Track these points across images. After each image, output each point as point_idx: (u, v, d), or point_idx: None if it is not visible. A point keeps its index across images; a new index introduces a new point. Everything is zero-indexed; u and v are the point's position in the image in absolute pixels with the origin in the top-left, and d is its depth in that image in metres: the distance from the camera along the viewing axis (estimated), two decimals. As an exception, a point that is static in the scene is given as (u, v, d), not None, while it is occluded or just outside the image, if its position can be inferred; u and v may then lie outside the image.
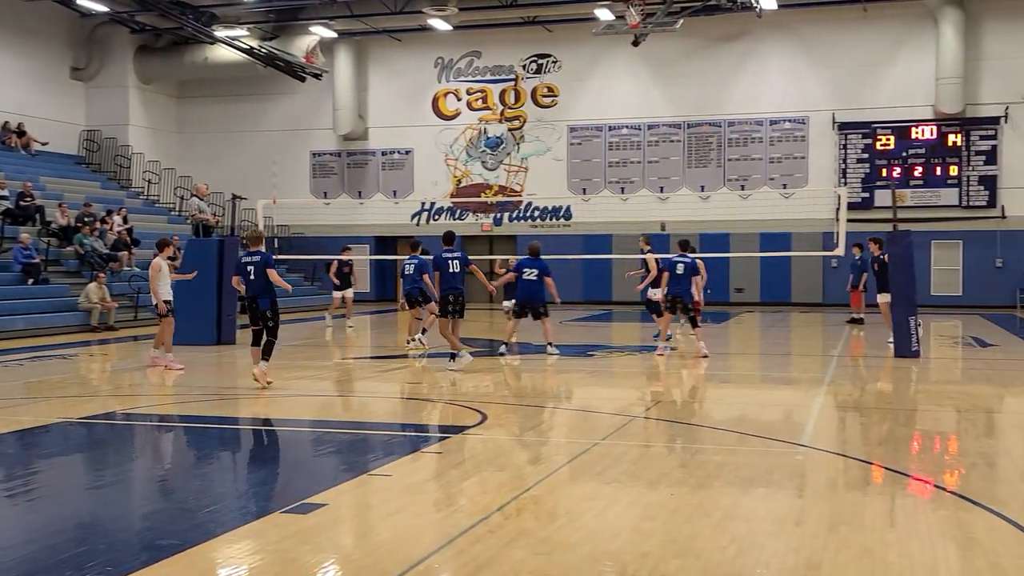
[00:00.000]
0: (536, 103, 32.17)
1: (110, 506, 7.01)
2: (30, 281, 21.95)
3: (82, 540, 6.01)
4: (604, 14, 27.94)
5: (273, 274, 11.88)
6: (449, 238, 14.56)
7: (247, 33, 30.64)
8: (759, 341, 20.56)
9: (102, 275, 22.22)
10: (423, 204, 32.61)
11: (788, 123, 30.00)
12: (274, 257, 21.67)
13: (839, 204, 19.28)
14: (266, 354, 11.94)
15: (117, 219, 26.40)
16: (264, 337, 12.01)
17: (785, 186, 29.18)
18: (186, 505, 6.89)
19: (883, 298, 17.44)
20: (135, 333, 21.35)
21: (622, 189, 31.09)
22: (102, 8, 29.01)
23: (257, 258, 11.90)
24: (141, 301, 23.65)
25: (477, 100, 32.68)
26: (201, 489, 7.50)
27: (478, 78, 32.65)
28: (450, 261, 13.99)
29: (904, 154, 28.96)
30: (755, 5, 25.41)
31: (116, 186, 31.54)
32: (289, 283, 14.14)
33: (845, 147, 29.40)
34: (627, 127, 31.26)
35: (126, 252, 25.07)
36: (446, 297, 13.98)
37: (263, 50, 30.27)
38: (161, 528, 6.32)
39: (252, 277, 11.77)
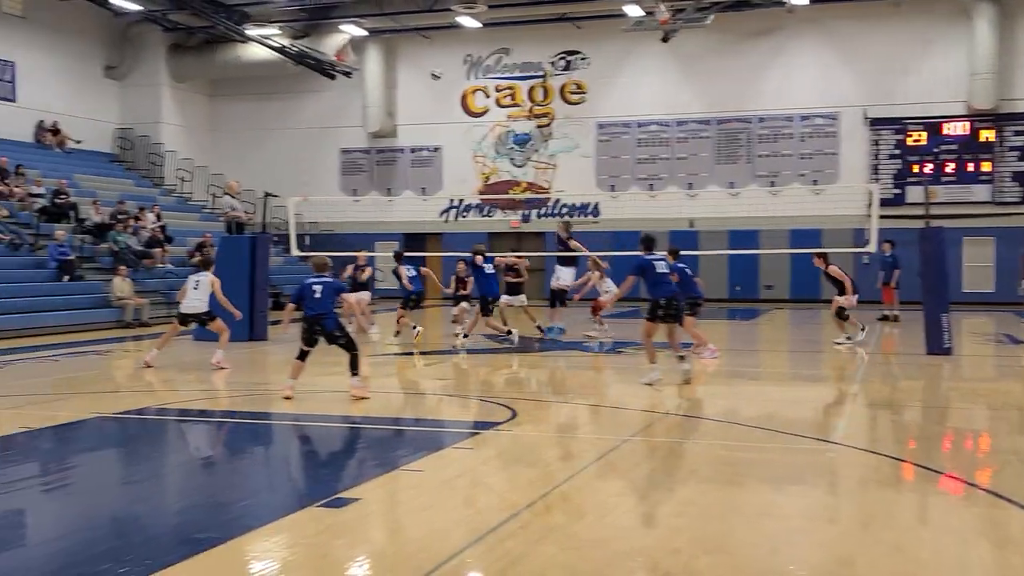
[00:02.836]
0: (565, 100, 32.15)
1: (145, 500, 7.08)
2: (65, 278, 22.19)
3: (118, 534, 6.09)
4: (634, 10, 27.84)
5: (349, 298, 11.82)
6: (649, 243, 13.23)
7: (279, 32, 30.83)
8: (789, 338, 20.47)
9: (123, 268, 22.41)
10: (451, 201, 32.71)
11: (819, 119, 29.80)
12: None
13: (871, 201, 19.16)
14: (355, 369, 11.69)
15: (150, 216, 26.67)
16: (348, 355, 11.61)
17: (816, 182, 29.01)
18: (221, 499, 6.97)
19: None
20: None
21: (650, 186, 31.00)
22: (135, 7, 29.25)
23: (328, 279, 11.76)
24: (173, 298, 23.88)
25: (506, 97, 32.71)
26: (236, 484, 7.58)
27: (507, 75, 32.68)
28: (655, 263, 12.93)
29: (936, 150, 28.69)
30: (786, 0, 25.25)
31: (149, 184, 31.83)
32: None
33: (877, 143, 29.16)
34: (656, 123, 31.17)
35: (160, 249, 25.32)
36: (656, 302, 12.89)
37: (294, 48, 30.46)
38: (197, 522, 6.39)
39: (318, 296, 11.46)
